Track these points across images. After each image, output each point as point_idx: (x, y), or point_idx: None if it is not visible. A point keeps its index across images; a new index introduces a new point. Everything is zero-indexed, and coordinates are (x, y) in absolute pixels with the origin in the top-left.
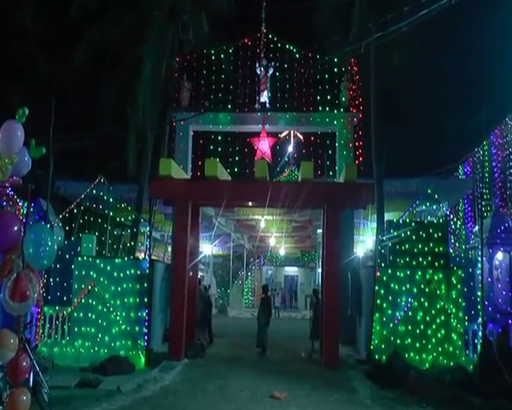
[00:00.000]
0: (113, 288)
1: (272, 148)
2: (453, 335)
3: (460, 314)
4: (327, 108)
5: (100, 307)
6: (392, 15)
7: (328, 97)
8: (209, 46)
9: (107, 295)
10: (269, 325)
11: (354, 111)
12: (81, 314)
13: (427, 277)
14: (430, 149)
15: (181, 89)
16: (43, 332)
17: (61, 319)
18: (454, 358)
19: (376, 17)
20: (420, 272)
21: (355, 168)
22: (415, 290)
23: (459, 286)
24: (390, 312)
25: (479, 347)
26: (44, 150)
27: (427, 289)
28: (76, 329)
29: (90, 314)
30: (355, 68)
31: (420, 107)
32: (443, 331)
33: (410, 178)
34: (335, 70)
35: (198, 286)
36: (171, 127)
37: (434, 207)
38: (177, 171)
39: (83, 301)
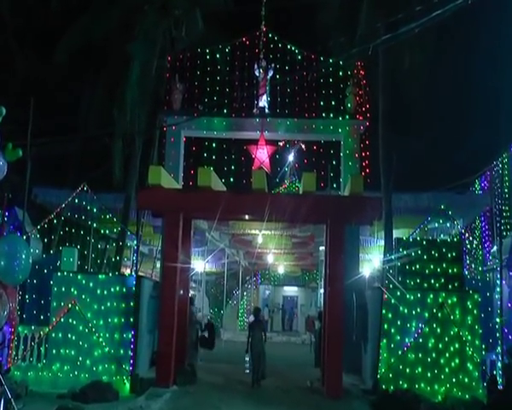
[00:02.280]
0: (95, 306)
1: (271, 157)
2: (469, 365)
3: (476, 342)
4: (331, 115)
5: (81, 328)
6: (402, 15)
7: (333, 103)
8: (204, 45)
9: (89, 315)
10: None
11: (361, 118)
12: (60, 335)
13: (440, 300)
14: (444, 161)
15: (172, 91)
16: (17, 355)
17: (37, 340)
18: (469, 390)
19: (385, 17)
20: (432, 295)
21: (361, 180)
22: (426, 315)
23: (475, 311)
24: (398, 338)
25: (498, 378)
26: (21, 153)
27: (439, 314)
28: (54, 351)
29: (69, 335)
30: (362, 72)
31: (433, 115)
32: (457, 361)
33: (421, 192)
34: (340, 73)
35: (189, 306)
36: (161, 132)
37: (448, 224)
38: (168, 180)
39: (62, 320)
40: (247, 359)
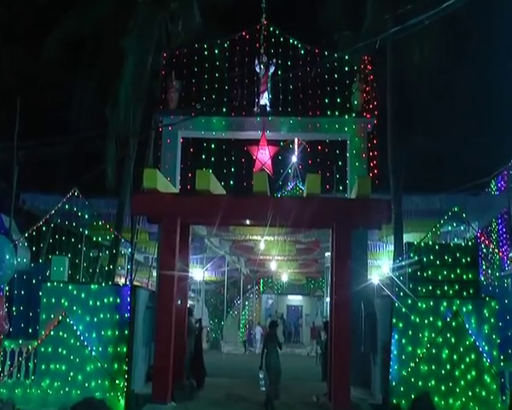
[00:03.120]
0: (87, 318)
1: (273, 158)
2: (486, 377)
3: (494, 353)
4: (336, 113)
5: (72, 341)
6: (411, 6)
7: (338, 100)
8: (201, 40)
9: (80, 327)
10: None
11: (368, 116)
12: (49, 349)
13: (454, 308)
14: (457, 161)
15: (169, 89)
16: (3, 371)
17: (25, 355)
18: (487, 404)
19: (393, 8)
20: (445, 303)
21: (369, 182)
22: (439, 324)
23: (492, 320)
24: (410, 349)
25: None
26: None
27: (453, 323)
28: (43, 366)
29: (60, 349)
30: (369, 67)
31: (445, 112)
32: (473, 373)
33: (433, 193)
34: (346, 69)
35: (188, 317)
36: (156, 133)
37: (462, 227)
38: (164, 183)
39: (52, 333)
40: (262, 376)
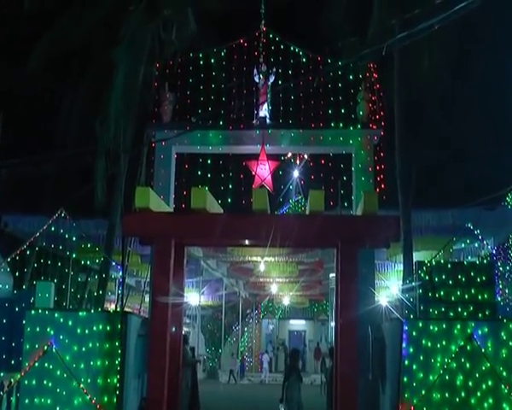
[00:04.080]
0: (75, 348)
1: (274, 173)
2: (505, 405)
3: None
4: (341, 124)
5: (58, 373)
6: (420, 10)
7: (343, 111)
8: (196, 48)
9: (67, 358)
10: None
11: (374, 127)
12: (34, 382)
13: (469, 331)
14: (470, 173)
15: (162, 101)
16: None
17: (7, 389)
18: None
19: (401, 12)
20: (459, 326)
21: (376, 198)
22: (453, 348)
23: (511, 343)
24: (422, 375)
25: None
26: None
27: (468, 347)
28: (27, 401)
29: (45, 382)
30: (375, 75)
31: (457, 123)
32: (491, 401)
33: (444, 208)
34: (351, 77)
35: (183, 345)
36: (149, 148)
37: (476, 244)
38: (157, 202)
39: (36, 364)
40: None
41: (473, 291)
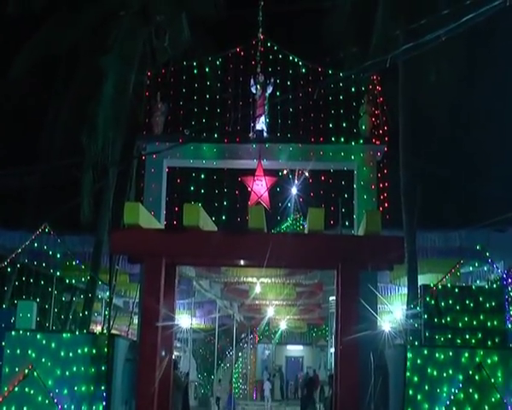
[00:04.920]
0: (58, 372)
1: (271, 190)
2: None
3: None
4: (342, 139)
5: (40, 399)
6: (426, 20)
7: (344, 125)
8: (190, 57)
9: (50, 382)
10: None
11: (377, 143)
12: (13, 408)
13: (477, 360)
14: (480, 192)
15: (153, 112)
16: None
17: None
18: None
19: (406, 22)
20: (467, 354)
21: (379, 217)
22: (460, 378)
23: None
24: (427, 406)
25: None
26: None
27: (477, 377)
28: None
29: (25, 408)
30: (378, 88)
31: (465, 138)
32: None
33: (452, 229)
34: (353, 90)
35: (173, 371)
36: (139, 162)
37: (486, 268)
38: (148, 218)
39: (16, 389)
40: None
41: (481, 317)
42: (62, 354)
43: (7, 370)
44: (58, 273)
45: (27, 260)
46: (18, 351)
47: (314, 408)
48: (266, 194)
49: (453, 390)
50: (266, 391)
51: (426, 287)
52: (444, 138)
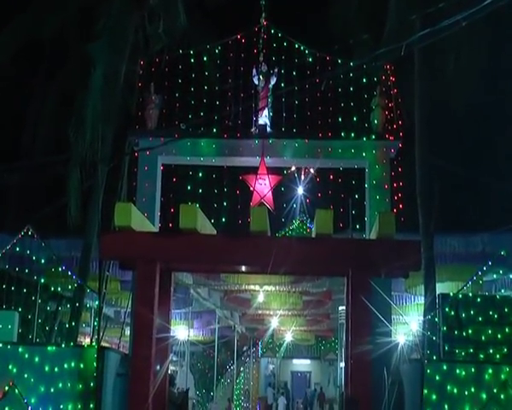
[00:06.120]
0: (42, 389)
1: (275, 189)
2: None
3: None
4: (352, 135)
5: None
6: (445, 3)
7: (355, 119)
8: (187, 45)
9: (33, 400)
10: None
11: (391, 138)
12: None
13: (503, 377)
14: (504, 193)
15: (146, 105)
16: None
17: None
18: None
19: (423, 5)
20: (491, 370)
21: (393, 219)
22: (483, 396)
23: None
24: None
25: None
26: None
27: (502, 395)
28: None
29: None
30: (392, 78)
31: (488, 133)
32: None
33: (473, 233)
34: (364, 81)
35: (169, 387)
36: (131, 159)
37: (511, 275)
38: (140, 220)
39: None
40: None
41: (507, 330)
42: (47, 368)
43: None
44: (42, 280)
45: (8, 266)
46: None
47: None
48: (270, 194)
49: None
50: (280, 406)
51: (445, 296)
52: (464, 133)
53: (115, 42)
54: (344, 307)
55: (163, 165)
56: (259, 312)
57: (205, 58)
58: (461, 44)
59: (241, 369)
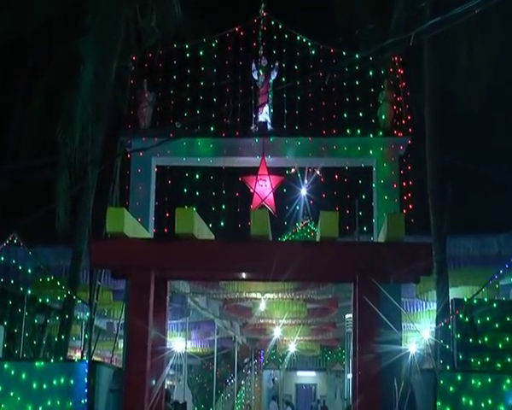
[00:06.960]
0: (30, 407)
1: (276, 191)
2: None
3: None
4: (358, 131)
5: None
6: None
7: (361, 115)
8: (182, 38)
9: None
10: None
11: (400, 135)
12: None
13: None
14: None
15: (139, 103)
16: None
17: None
18: None
19: None
20: (509, 380)
21: (402, 221)
22: (501, 409)
23: None
24: None
25: None
26: None
27: None
28: None
29: None
30: (400, 71)
31: (504, 127)
32: None
33: (488, 234)
34: (370, 74)
35: (165, 403)
36: (124, 160)
37: None
38: (134, 226)
39: None
40: None
41: None
42: (35, 385)
43: None
44: (29, 292)
45: None
46: None
47: None
48: (271, 196)
49: None
50: None
51: (458, 302)
52: (478, 129)
53: (105, 37)
54: (351, 315)
55: (157, 166)
56: (261, 321)
57: (201, 52)
58: (473, 33)
59: (242, 382)
